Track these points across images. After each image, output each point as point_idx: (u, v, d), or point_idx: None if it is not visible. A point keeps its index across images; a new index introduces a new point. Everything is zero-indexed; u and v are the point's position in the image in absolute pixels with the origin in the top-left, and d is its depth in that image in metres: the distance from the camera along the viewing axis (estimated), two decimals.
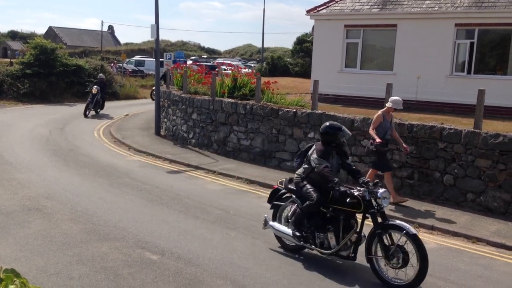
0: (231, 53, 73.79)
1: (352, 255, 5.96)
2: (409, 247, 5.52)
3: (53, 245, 6.55)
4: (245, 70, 20.98)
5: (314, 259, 6.44)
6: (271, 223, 6.82)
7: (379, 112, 8.99)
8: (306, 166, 6.46)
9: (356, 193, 5.83)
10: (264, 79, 14.56)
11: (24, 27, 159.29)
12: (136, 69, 39.54)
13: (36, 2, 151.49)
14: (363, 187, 5.88)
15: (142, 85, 32.56)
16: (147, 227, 7.42)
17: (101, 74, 22.79)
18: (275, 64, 38.15)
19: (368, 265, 5.89)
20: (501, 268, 6.46)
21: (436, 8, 15.59)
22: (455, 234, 7.64)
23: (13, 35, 74.14)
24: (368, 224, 5.99)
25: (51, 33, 65.12)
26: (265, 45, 54.30)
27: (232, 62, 38.56)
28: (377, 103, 14.55)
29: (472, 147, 8.75)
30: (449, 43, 15.25)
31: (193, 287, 5.49)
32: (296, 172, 6.67)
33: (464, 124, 9.97)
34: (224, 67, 28.65)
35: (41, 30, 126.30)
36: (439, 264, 6.45)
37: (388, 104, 8.92)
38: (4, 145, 13.55)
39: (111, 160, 12.39)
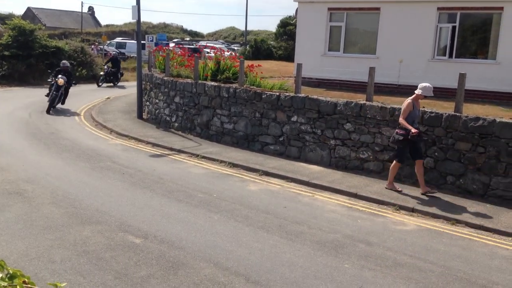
0: (214, 36, 73.10)
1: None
2: None
3: (34, 229, 6.49)
4: (228, 53, 20.82)
5: (296, 242, 6.51)
6: None
7: (409, 100, 8.58)
8: None
9: None
10: (247, 63, 14.47)
11: (1, 8, 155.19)
12: (117, 51, 38.94)
13: None
14: None
15: (123, 67, 32.10)
16: (130, 211, 7.40)
17: (64, 61, 18.99)
18: (258, 48, 37.95)
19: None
20: (479, 249, 6.62)
21: None
22: (434, 216, 7.78)
23: None
24: None
25: (30, 14, 63.58)
26: (249, 28, 53.94)
27: (215, 45, 38.22)
28: (360, 86, 14.62)
29: (453, 131, 8.86)
30: (431, 27, 15.32)
31: (176, 270, 5.51)
32: None
33: (445, 108, 10.09)
34: (207, 50, 28.37)
35: (19, 11, 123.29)
36: (419, 245, 6.57)
37: (418, 92, 8.52)
38: None
39: (93, 144, 12.26)
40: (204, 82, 13.47)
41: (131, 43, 39.43)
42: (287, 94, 11.46)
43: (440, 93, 14.66)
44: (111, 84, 24.84)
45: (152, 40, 25.69)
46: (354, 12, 17.03)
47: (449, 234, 7.09)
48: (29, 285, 1.68)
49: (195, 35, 71.94)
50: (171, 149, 12.03)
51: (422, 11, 15.46)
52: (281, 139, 11.46)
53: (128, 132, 13.73)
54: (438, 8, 15.23)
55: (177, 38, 58.98)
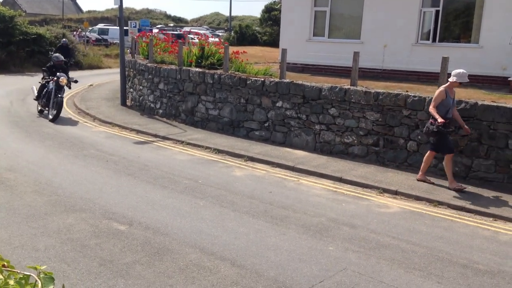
0: (198, 21, 72.40)
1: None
2: None
3: (17, 217, 6.43)
4: (212, 39, 20.66)
5: (281, 227, 6.55)
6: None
7: (441, 87, 8.15)
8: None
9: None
10: (232, 49, 14.38)
11: None
12: (100, 37, 38.40)
13: None
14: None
15: (106, 54, 31.75)
16: (114, 198, 7.36)
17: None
18: (243, 33, 37.71)
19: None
20: (460, 229, 6.73)
21: None
22: (417, 198, 7.88)
23: None
24: None
25: (9, 0, 62.18)
26: (233, 14, 53.51)
27: (199, 31, 37.90)
28: (345, 71, 14.63)
29: None
30: (415, 11, 15.34)
31: (161, 255, 5.52)
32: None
33: (429, 92, 10.16)
34: (192, 36, 28.11)
35: None
36: (402, 227, 6.66)
37: (452, 79, 8.04)
38: None
39: (76, 132, 12.13)
40: (189, 68, 13.36)
41: (114, 29, 38.85)
42: (272, 79, 11.43)
43: (424, 78, 14.78)
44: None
45: (135, 26, 25.33)
46: None
47: (431, 216, 7.19)
48: (8, 269, 1.67)
49: (179, 21, 71.17)
50: (155, 136, 11.97)
51: None
52: (266, 124, 11.46)
53: (112, 119, 13.60)
54: None
55: (160, 24, 58.32)
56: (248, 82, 11.68)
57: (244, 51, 14.57)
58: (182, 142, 11.36)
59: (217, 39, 23.03)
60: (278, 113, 11.17)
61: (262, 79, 11.49)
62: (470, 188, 8.29)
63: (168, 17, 73.31)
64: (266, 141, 11.36)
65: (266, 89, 11.34)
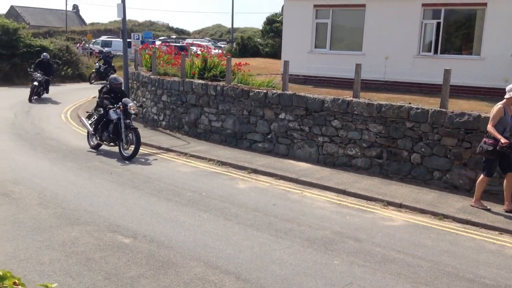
0: (200, 33, 72.79)
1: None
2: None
3: (22, 230, 6.43)
4: (215, 51, 20.77)
5: (286, 240, 6.53)
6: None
7: (499, 104, 7.70)
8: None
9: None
10: (235, 61, 14.45)
11: None
12: (103, 49, 38.61)
13: None
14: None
15: None
16: (119, 211, 7.36)
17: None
18: (245, 45, 37.87)
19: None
20: (466, 243, 6.70)
21: None
22: (422, 211, 7.86)
23: None
24: None
25: (13, 12, 62.71)
26: (235, 26, 53.89)
27: (201, 43, 38.09)
28: (347, 83, 14.68)
29: (439, 126, 8.96)
30: (416, 23, 15.44)
31: (166, 269, 5.50)
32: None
33: (431, 104, 10.19)
34: (194, 47, 28.26)
35: (2, 9, 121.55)
36: (407, 241, 6.64)
37: (508, 95, 7.63)
38: None
39: (80, 144, 12.16)
40: (191, 80, 13.43)
41: (117, 42, 39.09)
42: (274, 91, 11.48)
43: (426, 89, 14.82)
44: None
45: (138, 38, 25.49)
46: (339, 9, 17.10)
47: (436, 229, 7.17)
48: (19, 287, 1.67)
49: (181, 33, 71.57)
50: (159, 148, 11.99)
51: (407, 8, 15.57)
52: (269, 136, 11.48)
53: None
54: (423, 5, 15.35)
55: (163, 36, 58.64)
56: (250, 94, 11.73)
57: (246, 63, 14.65)
58: (185, 154, 11.38)
59: (219, 51, 23.15)
60: (281, 125, 11.19)
61: (265, 91, 11.53)
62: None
63: (171, 29, 73.73)
64: (269, 153, 11.37)
65: (269, 101, 11.38)
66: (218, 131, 12.57)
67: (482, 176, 7.88)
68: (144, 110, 15.47)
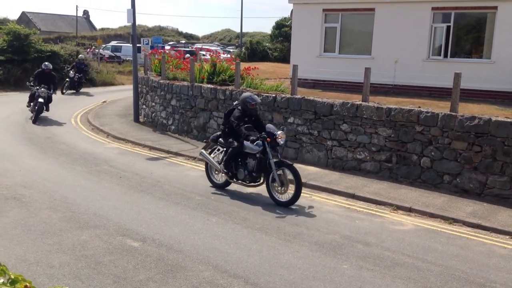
0: (209, 38, 73.11)
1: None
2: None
3: (32, 234, 6.48)
4: (224, 56, 20.85)
5: (294, 244, 6.51)
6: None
7: None
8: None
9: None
10: (243, 65, 14.50)
11: None
12: (113, 54, 38.92)
13: None
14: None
15: (119, 71, 32.11)
16: (128, 214, 7.39)
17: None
18: (254, 49, 37.94)
19: None
20: (476, 248, 6.64)
21: None
22: (432, 216, 7.81)
23: None
24: None
25: (24, 18, 63.43)
26: (244, 30, 54.03)
27: (211, 47, 38.26)
28: (356, 87, 14.64)
29: (449, 130, 8.90)
30: (426, 27, 15.37)
31: (175, 273, 5.51)
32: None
33: (441, 107, 10.12)
34: (203, 52, 28.39)
35: (14, 15, 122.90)
36: (417, 245, 6.59)
37: None
38: None
39: (90, 148, 12.24)
40: (200, 84, 13.48)
41: (127, 47, 39.38)
42: (283, 95, 11.48)
43: (436, 93, 14.74)
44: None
45: (147, 43, 25.70)
46: (348, 13, 17.07)
47: (446, 234, 7.11)
48: None
49: (191, 38, 71.94)
50: (168, 152, 12.03)
51: (417, 11, 15.51)
52: None
53: (125, 136, 13.72)
54: (433, 8, 15.29)
55: (172, 41, 58.97)
56: (259, 98, 11.72)
57: (255, 67, 14.68)
58: (194, 158, 11.41)
59: (228, 56, 23.22)
60: (289, 129, 11.18)
61: (274, 95, 11.54)
62: (485, 206, 8.20)
63: (180, 34, 74.15)
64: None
65: (278, 105, 11.38)
66: None
67: None
68: (154, 114, 15.55)
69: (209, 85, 13.25)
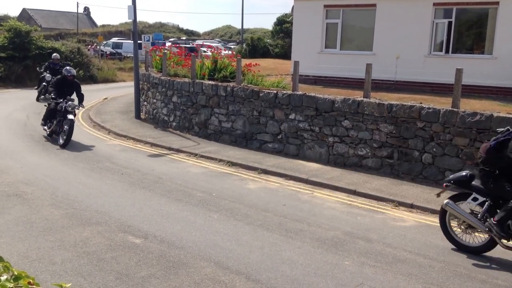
0: (210, 34, 73.00)
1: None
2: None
3: (34, 230, 6.49)
4: (225, 52, 20.82)
5: (296, 240, 6.52)
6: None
7: None
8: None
9: None
10: (245, 61, 14.47)
11: None
12: (114, 51, 38.89)
13: None
14: None
15: (120, 68, 32.10)
16: (129, 211, 7.40)
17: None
18: (255, 46, 37.90)
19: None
20: None
21: None
22: (433, 212, 7.79)
23: None
24: None
25: (25, 15, 63.36)
26: (245, 26, 53.93)
27: (212, 44, 38.18)
28: (358, 83, 14.63)
29: (450, 126, 8.89)
30: (427, 23, 15.33)
31: (177, 269, 5.52)
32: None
33: (442, 103, 10.10)
34: (204, 49, 28.34)
35: (15, 12, 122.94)
36: (419, 241, 6.59)
37: None
38: None
39: (91, 145, 12.25)
40: (202, 81, 13.47)
41: (128, 43, 39.35)
42: (284, 92, 11.47)
43: (437, 89, 14.71)
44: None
45: (148, 40, 25.67)
46: (350, 9, 17.04)
47: None
48: (34, 286, 1.69)
49: (192, 34, 71.83)
50: (169, 148, 12.04)
51: (418, 7, 15.47)
52: (279, 137, 11.47)
53: (126, 133, 13.72)
54: (434, 4, 15.24)
55: (173, 37, 58.90)
56: (260, 94, 11.73)
57: (256, 64, 14.66)
58: (195, 155, 11.41)
59: (229, 52, 23.17)
60: (291, 125, 11.18)
61: (275, 92, 11.53)
62: None
63: (181, 30, 74.03)
64: (279, 154, 11.36)
65: (279, 102, 11.38)
66: (228, 132, 12.59)
67: None
68: (155, 111, 15.55)
69: (210, 82, 13.24)
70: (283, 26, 40.38)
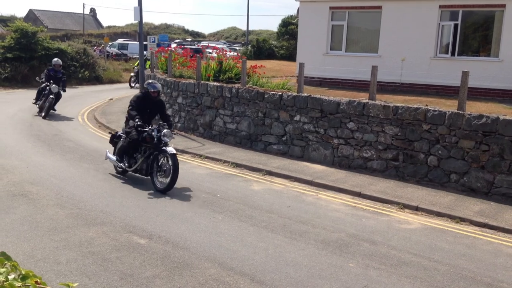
0: (215, 36, 73.10)
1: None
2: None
3: (40, 230, 6.52)
4: (230, 54, 20.84)
5: (300, 242, 6.51)
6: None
7: None
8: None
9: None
10: (250, 63, 14.48)
11: (3, 10, 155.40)
12: (120, 52, 39.01)
13: None
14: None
15: (125, 68, 32.17)
16: (134, 212, 7.42)
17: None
18: (260, 47, 37.91)
19: None
20: (484, 247, 6.61)
21: None
22: (439, 214, 7.78)
23: None
24: None
25: (32, 16, 63.69)
26: (250, 28, 53.99)
27: (217, 45, 38.23)
28: (363, 85, 14.61)
29: (456, 129, 8.85)
30: (433, 25, 15.28)
31: (181, 270, 5.53)
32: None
33: (448, 106, 10.07)
34: (209, 50, 28.38)
35: (21, 13, 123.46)
36: (424, 244, 6.57)
37: None
38: None
39: (96, 145, 12.28)
40: (207, 82, 13.49)
41: (133, 44, 39.47)
42: (289, 93, 11.46)
43: (443, 91, 14.66)
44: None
45: (154, 41, 25.69)
46: (355, 11, 17.01)
47: (453, 233, 7.08)
48: (41, 285, 1.70)
49: (197, 36, 71.98)
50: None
51: (424, 9, 15.43)
52: (284, 138, 11.47)
53: None
54: (440, 6, 15.20)
55: (178, 38, 59.03)
56: (265, 96, 11.73)
57: (261, 65, 14.66)
58: (200, 156, 11.42)
59: (234, 53, 23.18)
60: (296, 127, 11.17)
61: (280, 93, 11.53)
62: (492, 205, 8.15)
63: (186, 31, 74.21)
64: (284, 155, 11.36)
65: (284, 103, 11.37)
66: (233, 133, 12.60)
67: None
68: None
69: (215, 83, 13.26)
70: (288, 27, 40.37)
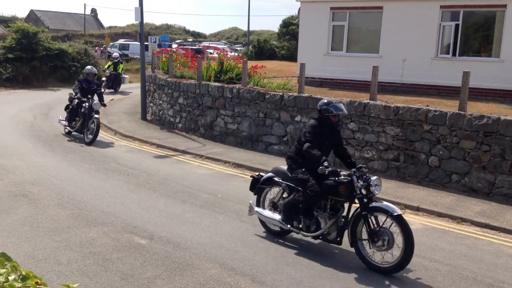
0: (216, 36, 73.11)
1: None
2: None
3: (41, 230, 6.52)
4: (231, 54, 20.85)
5: (300, 242, 6.51)
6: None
7: None
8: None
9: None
10: (251, 63, 14.48)
11: (4, 11, 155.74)
12: (121, 53, 39.02)
13: None
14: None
15: (127, 69, 32.17)
16: (135, 212, 7.42)
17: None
18: (261, 48, 37.90)
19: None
20: (485, 247, 6.60)
21: None
22: (440, 215, 7.77)
23: None
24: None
25: (33, 16, 63.75)
26: (251, 28, 53.98)
27: (218, 46, 38.24)
28: (364, 86, 14.60)
29: (457, 129, 8.85)
30: (434, 25, 15.27)
31: (182, 270, 5.53)
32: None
33: (449, 106, 10.06)
34: (210, 50, 28.41)
35: (22, 13, 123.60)
36: (425, 244, 6.56)
37: None
38: None
39: (98, 145, 12.28)
40: (208, 82, 13.49)
41: (134, 45, 39.46)
42: (290, 94, 11.47)
43: (444, 92, 14.65)
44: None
45: (155, 42, 25.69)
46: (356, 11, 17.01)
47: (454, 233, 7.08)
48: (41, 286, 1.70)
49: (198, 36, 72.00)
50: (175, 150, 12.06)
51: (425, 10, 15.42)
52: (285, 139, 11.46)
53: (133, 134, 13.76)
54: (441, 6, 15.19)
55: (179, 39, 59.05)
56: (266, 96, 11.73)
57: (262, 66, 14.66)
58: (201, 156, 11.43)
59: (235, 54, 23.18)
60: (297, 127, 11.17)
61: (281, 94, 11.53)
62: (494, 205, 8.14)
63: (187, 32, 74.23)
64: (285, 156, 11.32)
65: (285, 104, 11.37)
66: (234, 134, 12.60)
67: None
68: (161, 112, 15.59)
69: (216, 83, 13.26)
70: (289, 28, 40.35)
